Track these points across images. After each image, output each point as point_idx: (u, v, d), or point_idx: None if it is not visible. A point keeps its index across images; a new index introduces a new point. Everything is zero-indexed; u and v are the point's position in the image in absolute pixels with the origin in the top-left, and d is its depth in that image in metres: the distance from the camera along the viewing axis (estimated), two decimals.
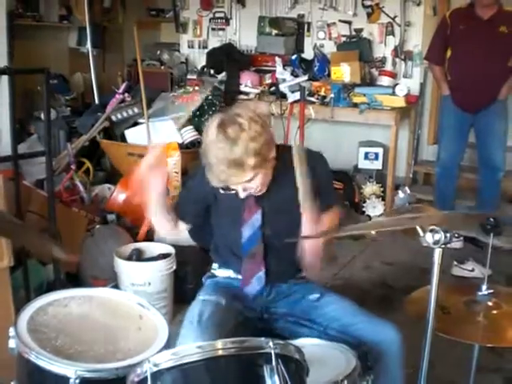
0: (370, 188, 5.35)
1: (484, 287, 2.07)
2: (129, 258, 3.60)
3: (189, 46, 6.54)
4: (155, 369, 1.52)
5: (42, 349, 1.75)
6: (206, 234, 2.53)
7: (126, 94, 5.25)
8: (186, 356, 1.52)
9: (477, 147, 4.92)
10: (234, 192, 2.22)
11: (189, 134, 5.01)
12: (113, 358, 1.78)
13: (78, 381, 1.69)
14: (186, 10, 6.50)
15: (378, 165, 5.59)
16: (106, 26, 6.95)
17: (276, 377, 1.50)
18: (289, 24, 5.94)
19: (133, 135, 5.09)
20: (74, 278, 3.76)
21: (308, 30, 5.96)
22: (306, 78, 5.46)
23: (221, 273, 2.49)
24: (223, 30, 6.34)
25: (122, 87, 5.31)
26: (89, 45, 5.97)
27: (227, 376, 1.55)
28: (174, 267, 3.57)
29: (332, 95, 5.18)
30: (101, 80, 6.00)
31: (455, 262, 4.28)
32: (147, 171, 2.29)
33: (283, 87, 5.41)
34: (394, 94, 5.24)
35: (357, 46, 5.65)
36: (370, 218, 5.23)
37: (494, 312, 2.02)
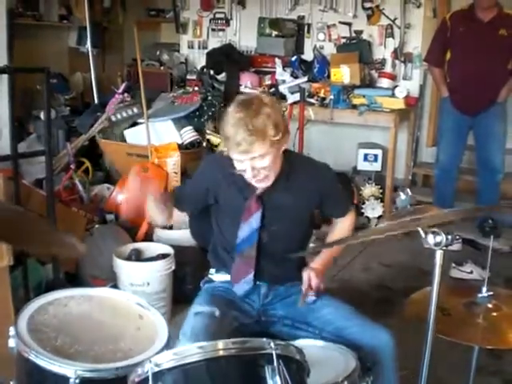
0: (369, 189, 5.35)
1: (484, 289, 2.07)
2: (128, 258, 3.59)
3: (189, 47, 6.54)
4: (156, 369, 1.52)
5: (41, 348, 1.75)
6: (207, 234, 2.53)
7: (126, 94, 5.25)
8: (188, 356, 1.52)
9: (476, 149, 4.93)
10: (242, 171, 2.19)
11: (188, 135, 5.01)
12: (113, 358, 1.79)
13: (77, 380, 1.69)
14: (186, 11, 6.50)
15: (377, 166, 5.59)
16: (106, 26, 6.95)
17: (277, 377, 1.50)
18: (289, 25, 5.94)
19: (132, 135, 5.09)
20: (73, 278, 3.75)
21: (308, 32, 5.97)
22: (305, 79, 5.46)
23: (218, 277, 2.49)
24: (223, 30, 6.34)
25: (122, 87, 5.30)
26: (89, 44, 5.97)
27: (228, 376, 1.55)
28: (173, 267, 3.57)
29: (331, 97, 5.18)
30: (100, 80, 6.00)
31: (454, 264, 4.28)
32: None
33: (283, 88, 5.42)
34: (393, 95, 5.25)
35: (357, 48, 5.65)
36: (368, 219, 5.24)
37: (494, 314, 2.01)
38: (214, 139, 5.05)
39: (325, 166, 2.46)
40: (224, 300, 2.35)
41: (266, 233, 2.34)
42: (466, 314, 2.02)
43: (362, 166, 5.64)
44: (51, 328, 1.87)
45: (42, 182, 4.16)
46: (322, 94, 5.28)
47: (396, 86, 5.36)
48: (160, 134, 4.97)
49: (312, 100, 5.31)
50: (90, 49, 5.94)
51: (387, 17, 5.62)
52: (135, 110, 5.13)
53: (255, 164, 2.14)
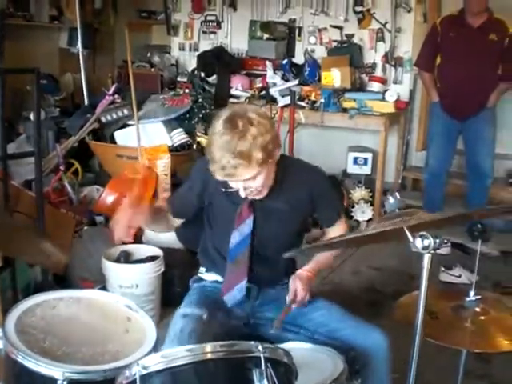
0: (359, 193, 5.36)
1: (472, 293, 2.07)
2: (117, 260, 3.59)
3: (180, 49, 6.54)
4: (144, 371, 1.52)
5: (29, 350, 1.74)
6: (193, 236, 2.53)
7: (116, 96, 5.24)
8: (176, 359, 1.52)
9: (465, 154, 4.96)
10: (232, 190, 2.18)
11: (179, 137, 5.00)
12: (101, 360, 1.78)
13: (65, 382, 1.68)
14: (177, 13, 6.50)
15: (367, 170, 5.60)
16: (97, 27, 6.93)
17: (265, 381, 1.50)
18: (280, 28, 5.96)
19: (122, 137, 5.08)
20: (62, 280, 3.74)
21: (299, 35, 5.98)
22: (296, 82, 5.47)
23: (208, 277, 2.48)
24: (214, 33, 6.35)
25: (112, 88, 5.29)
26: (79, 45, 5.94)
27: (216, 379, 1.55)
28: (162, 270, 3.57)
29: (322, 100, 5.19)
30: (91, 81, 5.97)
31: (443, 268, 4.30)
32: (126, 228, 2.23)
33: (273, 91, 5.42)
34: (383, 99, 5.27)
35: (347, 52, 5.68)
36: (358, 222, 5.25)
37: (482, 318, 2.02)
38: (205, 141, 5.05)
39: (317, 169, 2.46)
40: (213, 301, 2.34)
41: (258, 237, 2.33)
42: (453, 317, 2.02)
43: (352, 169, 5.65)
44: (39, 330, 1.86)
45: (31, 183, 4.14)
46: (312, 98, 5.30)
47: (386, 90, 5.38)
48: (150, 136, 4.96)
49: (302, 103, 5.32)
50: (80, 50, 5.91)
51: (378, 21, 5.64)
52: (125, 111, 5.11)
53: (247, 184, 2.12)
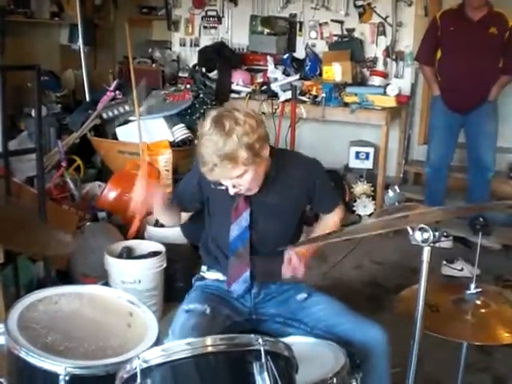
0: (361, 187, 5.37)
1: (472, 286, 2.08)
2: (119, 256, 3.60)
3: (180, 44, 6.54)
4: (145, 365, 1.52)
5: (32, 345, 1.75)
6: (197, 230, 2.54)
7: (117, 92, 5.24)
8: (176, 352, 1.52)
9: (467, 148, 4.95)
10: (224, 188, 2.22)
11: (180, 132, 5.01)
12: (103, 355, 1.79)
13: (67, 377, 1.69)
14: (178, 8, 6.50)
15: (368, 164, 5.61)
16: (98, 23, 6.93)
17: (265, 373, 1.50)
18: (281, 23, 5.95)
19: (124, 133, 5.09)
20: (64, 276, 3.75)
21: (300, 30, 5.97)
22: (297, 77, 5.47)
23: (209, 275, 2.49)
24: (215, 28, 6.35)
25: (113, 85, 5.30)
26: (80, 42, 5.95)
27: (217, 372, 1.55)
28: (165, 265, 3.58)
29: (323, 95, 5.18)
30: (92, 77, 5.99)
31: (445, 262, 4.30)
32: (141, 203, 2.28)
33: (275, 86, 5.42)
34: (385, 93, 5.26)
35: (348, 46, 5.67)
36: (360, 217, 5.25)
37: (483, 311, 2.03)
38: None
39: (313, 160, 2.47)
40: (216, 298, 2.36)
41: (256, 230, 2.35)
42: (454, 310, 2.03)
43: (354, 163, 5.65)
44: (41, 325, 1.87)
45: (33, 179, 4.15)
46: (313, 92, 5.29)
47: (388, 84, 5.37)
48: (152, 132, 4.96)
49: (304, 98, 5.32)
50: (81, 46, 5.92)
51: (379, 15, 5.64)
52: (127, 107, 5.12)
53: (235, 182, 2.16)
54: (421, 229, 1.69)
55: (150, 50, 6.64)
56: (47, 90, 5.74)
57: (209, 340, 1.55)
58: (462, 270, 4.25)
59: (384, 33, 5.66)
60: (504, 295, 2.17)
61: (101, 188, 4.76)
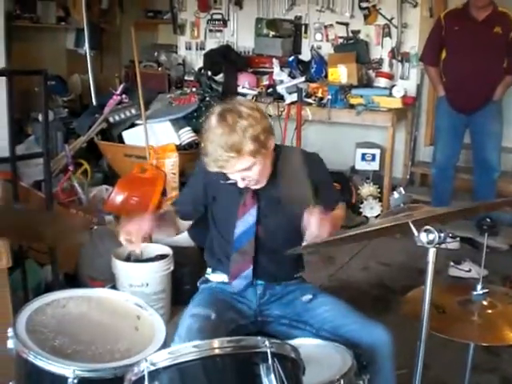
0: (367, 189, 5.37)
1: (479, 287, 2.08)
2: (126, 259, 3.60)
3: (186, 48, 6.56)
4: (152, 368, 1.53)
5: (40, 349, 1.76)
6: (204, 232, 2.54)
7: (124, 96, 5.26)
8: (183, 355, 1.53)
9: (472, 148, 4.94)
10: (233, 182, 2.23)
11: (186, 136, 5.02)
12: (111, 358, 1.79)
13: (76, 380, 1.69)
14: (183, 12, 6.52)
15: (375, 166, 5.60)
16: (104, 28, 6.96)
17: (272, 375, 1.51)
18: (286, 26, 5.96)
19: (130, 136, 5.11)
20: (72, 279, 3.77)
21: (305, 32, 5.98)
22: (303, 79, 5.48)
23: (214, 277, 2.49)
24: (221, 31, 6.36)
25: (120, 88, 5.32)
26: (86, 46, 5.97)
27: (224, 375, 1.56)
28: (172, 268, 3.58)
29: (329, 96, 5.20)
30: (98, 81, 6.01)
31: (452, 263, 4.29)
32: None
33: (280, 89, 5.43)
34: (390, 95, 5.27)
35: (354, 48, 5.67)
36: (367, 218, 5.25)
37: (489, 311, 2.03)
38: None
39: (314, 154, 2.47)
40: (221, 301, 2.35)
41: (263, 228, 2.35)
42: (460, 311, 2.03)
43: (360, 165, 5.64)
44: (50, 328, 1.88)
45: (40, 183, 4.17)
46: (319, 94, 5.30)
47: (393, 86, 5.38)
48: (158, 135, 4.98)
49: (310, 100, 5.33)
50: (87, 50, 5.94)
51: (384, 16, 5.63)
52: (133, 111, 5.14)
53: (244, 175, 2.18)
54: (426, 230, 1.69)
55: (155, 54, 6.66)
56: (54, 94, 5.77)
57: (216, 342, 1.56)
58: (469, 270, 4.24)
59: (389, 34, 5.66)
60: (511, 296, 2.17)
61: (108, 192, 4.78)
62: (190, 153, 4.92)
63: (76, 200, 4.69)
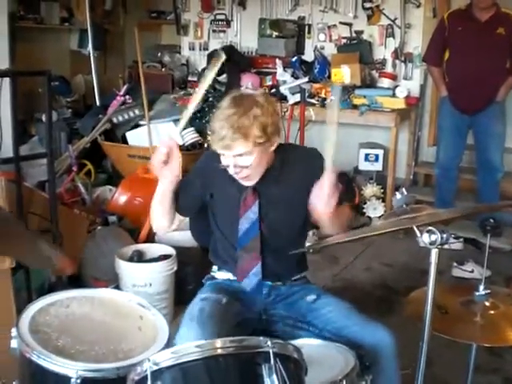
0: (371, 189, 5.36)
1: (481, 287, 2.08)
2: (130, 259, 3.61)
3: (190, 48, 6.57)
4: (155, 367, 1.53)
5: (43, 349, 1.76)
6: (207, 232, 2.54)
7: (127, 96, 5.27)
8: (186, 355, 1.53)
9: (475, 149, 4.95)
10: (225, 166, 2.21)
11: (190, 136, 5.03)
12: (114, 358, 1.80)
13: (79, 380, 1.70)
14: (186, 12, 6.53)
15: (378, 166, 5.60)
16: (107, 28, 6.98)
17: (274, 376, 1.51)
18: (289, 26, 5.96)
19: (134, 137, 5.12)
20: (75, 279, 3.77)
21: (308, 32, 5.98)
22: (306, 79, 5.47)
23: (220, 275, 2.49)
24: (224, 32, 6.37)
25: (123, 89, 5.33)
26: (90, 47, 5.99)
27: (226, 374, 1.56)
28: (175, 268, 3.59)
29: (332, 97, 5.18)
30: (102, 82, 6.02)
31: (455, 263, 4.29)
32: (159, 166, 2.29)
33: (284, 89, 5.43)
34: (394, 95, 5.26)
35: (357, 48, 5.67)
36: (370, 219, 5.25)
37: (492, 312, 2.03)
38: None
39: (314, 150, 2.45)
40: (229, 292, 2.36)
41: (266, 225, 2.34)
42: (463, 312, 2.04)
43: (363, 165, 5.64)
44: (53, 329, 1.89)
45: (44, 184, 4.18)
46: (322, 95, 5.30)
47: (397, 86, 5.37)
48: (161, 136, 4.98)
49: (313, 100, 5.32)
50: (91, 51, 5.96)
51: (387, 17, 5.63)
52: (137, 111, 5.15)
53: (238, 161, 2.17)
54: (428, 231, 1.69)
55: (159, 55, 6.67)
56: (58, 95, 5.79)
57: (218, 342, 1.56)
58: (472, 271, 4.24)
59: (392, 35, 5.66)
60: None
61: (111, 192, 4.79)
62: (194, 153, 4.93)
63: (80, 200, 4.70)
